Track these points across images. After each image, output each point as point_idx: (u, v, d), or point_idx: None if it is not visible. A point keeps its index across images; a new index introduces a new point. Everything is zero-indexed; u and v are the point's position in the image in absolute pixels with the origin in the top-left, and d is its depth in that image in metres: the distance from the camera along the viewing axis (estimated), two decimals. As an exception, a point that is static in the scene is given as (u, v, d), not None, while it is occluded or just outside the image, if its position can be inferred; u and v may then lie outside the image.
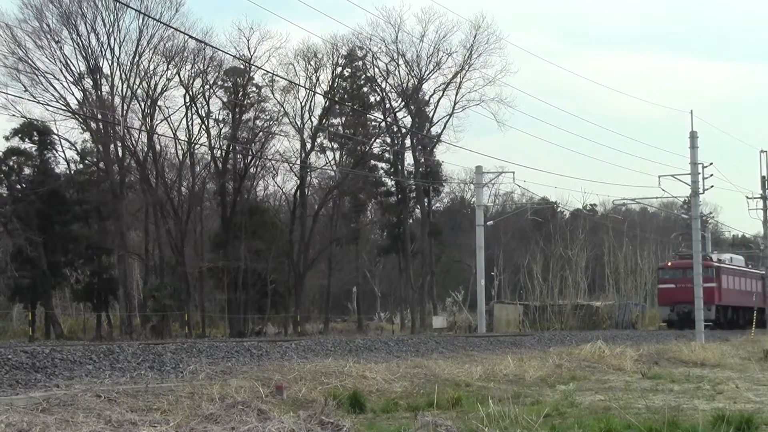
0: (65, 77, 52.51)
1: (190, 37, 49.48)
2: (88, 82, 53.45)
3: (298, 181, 62.65)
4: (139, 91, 54.48)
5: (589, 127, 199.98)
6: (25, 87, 50.87)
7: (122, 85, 53.98)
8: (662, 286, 61.61)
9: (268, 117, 59.91)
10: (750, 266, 71.23)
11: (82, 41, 52.32)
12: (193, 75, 55.69)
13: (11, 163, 52.38)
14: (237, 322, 55.18)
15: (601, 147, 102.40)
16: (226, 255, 56.23)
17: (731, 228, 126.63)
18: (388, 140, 67.72)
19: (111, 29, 52.91)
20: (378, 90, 66.52)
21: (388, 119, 65.98)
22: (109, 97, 54.11)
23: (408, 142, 67.37)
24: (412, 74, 64.66)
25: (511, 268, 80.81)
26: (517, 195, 73.67)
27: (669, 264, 62.41)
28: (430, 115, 66.70)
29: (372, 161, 68.42)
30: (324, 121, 63.38)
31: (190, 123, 56.81)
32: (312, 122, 61.53)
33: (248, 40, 56.88)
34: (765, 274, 69.50)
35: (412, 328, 62.45)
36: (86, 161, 57.68)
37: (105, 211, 54.00)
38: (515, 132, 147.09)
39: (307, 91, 59.35)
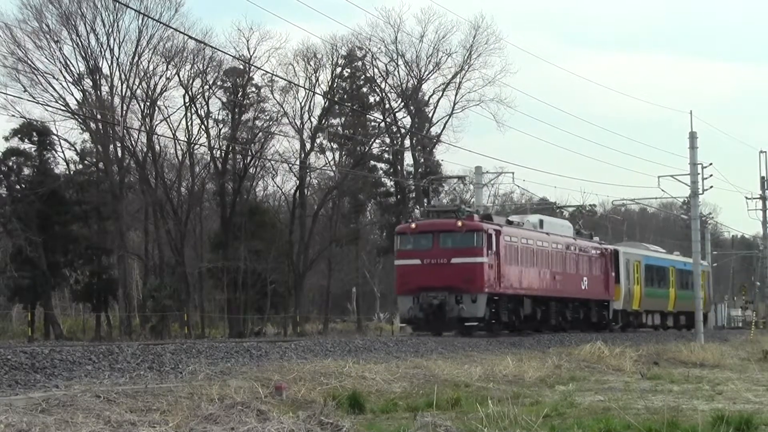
0: (65, 77, 52.69)
1: (190, 37, 49.56)
2: (87, 83, 53.57)
3: (298, 182, 62.67)
4: (138, 91, 54.60)
5: (589, 127, 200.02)
6: (24, 87, 51.10)
7: (122, 85, 54.14)
8: (401, 263, 36.13)
9: (267, 117, 60.02)
10: (596, 238, 47.33)
11: (81, 42, 52.45)
12: (192, 75, 55.80)
13: (11, 164, 52.45)
14: (236, 323, 55.15)
15: (601, 147, 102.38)
16: (226, 255, 56.20)
17: (730, 228, 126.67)
18: (388, 140, 67.68)
19: (110, 30, 53.07)
20: (377, 90, 66.49)
21: (388, 119, 65.94)
22: (109, 97, 54.17)
23: (407, 142, 67.34)
24: (412, 75, 64.65)
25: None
26: (517, 195, 73.59)
27: (413, 226, 36.05)
28: (430, 115, 66.71)
29: (371, 161, 68.36)
30: (323, 121, 63.34)
31: (189, 123, 56.93)
32: (311, 122, 61.56)
33: (248, 41, 56.99)
34: (612, 250, 46.70)
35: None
36: (86, 161, 57.73)
37: (104, 212, 54.01)
38: (515, 132, 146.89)
39: (307, 91, 59.37)
